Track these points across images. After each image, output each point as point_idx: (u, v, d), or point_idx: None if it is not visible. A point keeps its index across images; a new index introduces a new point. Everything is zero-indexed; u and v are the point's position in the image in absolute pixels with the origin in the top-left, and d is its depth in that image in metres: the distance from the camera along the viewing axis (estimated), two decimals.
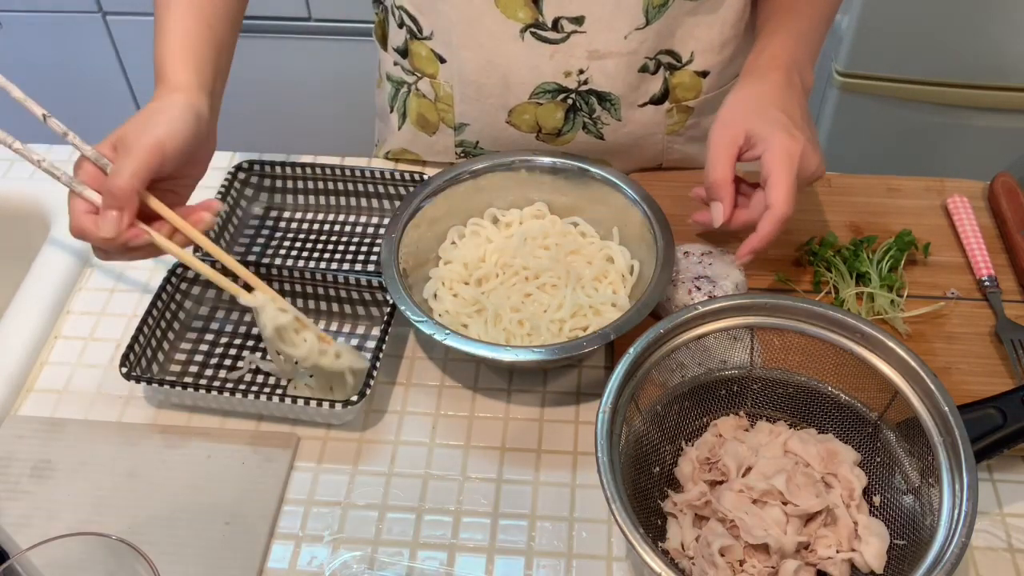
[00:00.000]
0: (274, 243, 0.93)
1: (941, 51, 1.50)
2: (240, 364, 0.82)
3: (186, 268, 0.82)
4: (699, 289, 0.79)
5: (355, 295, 0.83)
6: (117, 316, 0.86)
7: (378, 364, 0.75)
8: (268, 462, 0.74)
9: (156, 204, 0.68)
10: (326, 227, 0.94)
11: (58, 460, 0.75)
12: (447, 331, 0.73)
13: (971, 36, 1.48)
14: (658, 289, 0.76)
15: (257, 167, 0.94)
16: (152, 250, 0.69)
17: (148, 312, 0.79)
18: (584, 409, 0.78)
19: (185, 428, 0.77)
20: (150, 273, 0.90)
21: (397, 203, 0.93)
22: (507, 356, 0.73)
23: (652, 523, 0.67)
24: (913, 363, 0.65)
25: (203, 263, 0.73)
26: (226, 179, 0.92)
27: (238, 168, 0.93)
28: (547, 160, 0.87)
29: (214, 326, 0.84)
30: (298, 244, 0.92)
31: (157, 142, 0.66)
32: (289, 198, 0.95)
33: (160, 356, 0.80)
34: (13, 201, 0.97)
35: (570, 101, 0.89)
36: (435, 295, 0.83)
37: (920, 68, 1.54)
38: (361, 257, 0.91)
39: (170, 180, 0.70)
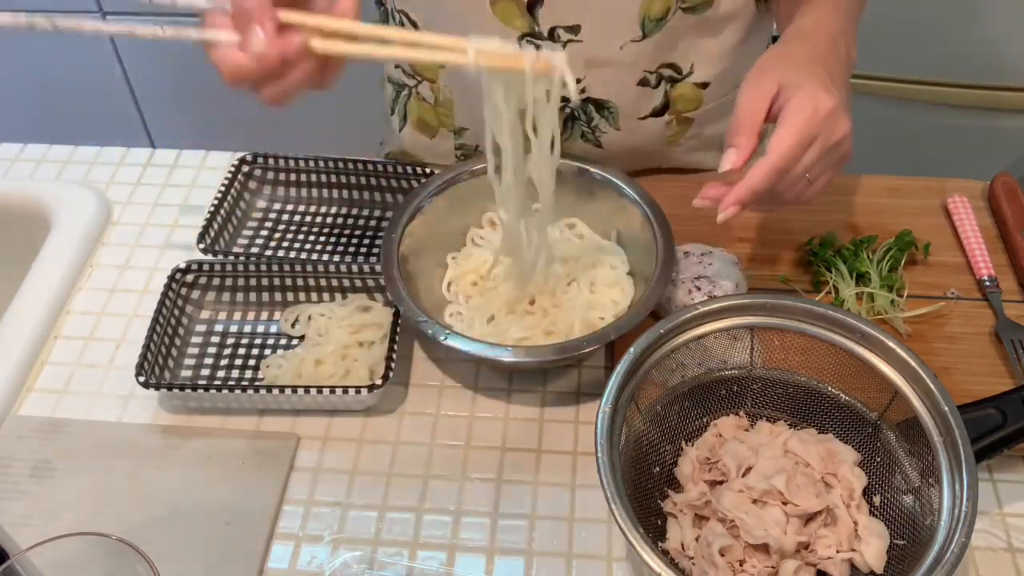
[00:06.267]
0: (277, 236, 0.93)
1: (941, 51, 1.50)
2: (258, 363, 0.82)
3: (184, 272, 0.82)
4: (699, 289, 0.79)
5: (358, 283, 0.83)
6: (117, 316, 0.86)
7: (395, 347, 0.76)
8: (268, 462, 0.74)
9: (290, 15, 0.61)
10: (328, 220, 0.95)
11: (58, 460, 0.75)
12: (447, 331, 0.73)
13: (971, 36, 1.48)
14: (658, 289, 0.76)
15: (261, 160, 0.94)
16: (316, 67, 0.62)
17: (155, 319, 0.78)
18: (584, 409, 0.78)
19: (185, 428, 0.77)
20: (150, 273, 0.90)
21: (400, 197, 0.93)
22: (507, 356, 0.73)
23: (652, 523, 0.67)
24: (913, 363, 0.65)
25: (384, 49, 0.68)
26: (229, 172, 0.92)
27: (242, 161, 0.93)
28: None
29: (218, 328, 0.84)
30: (300, 237, 0.93)
31: None
32: (293, 191, 0.95)
33: (171, 362, 0.80)
34: (13, 201, 0.97)
35: (568, 110, 0.89)
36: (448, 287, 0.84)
37: (920, 68, 1.53)
38: (364, 250, 0.91)
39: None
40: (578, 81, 0.86)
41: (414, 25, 0.89)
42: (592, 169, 0.86)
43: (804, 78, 0.67)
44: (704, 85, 0.90)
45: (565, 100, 0.87)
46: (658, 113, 0.91)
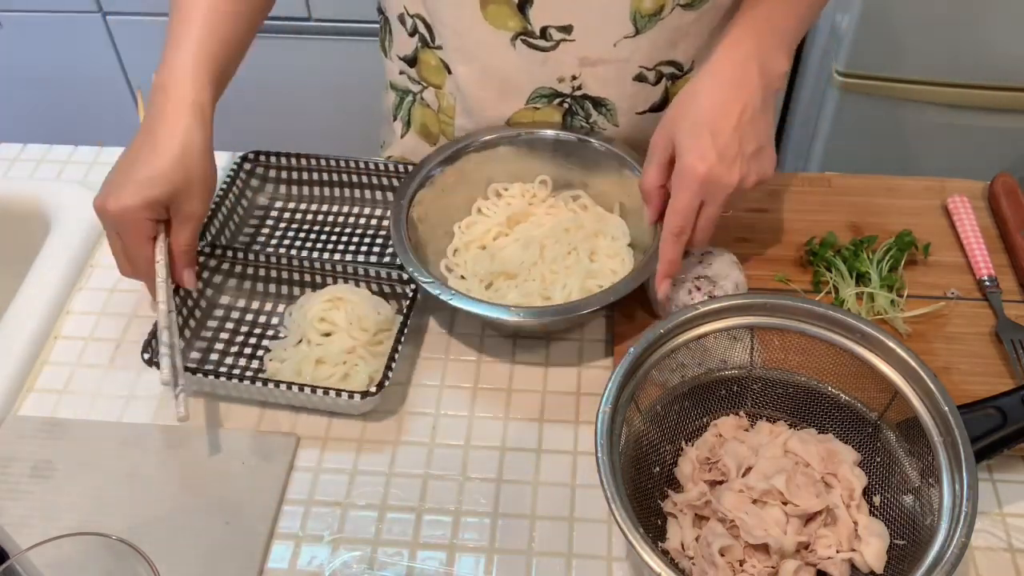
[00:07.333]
0: (278, 234, 0.93)
1: (941, 51, 1.50)
2: (260, 354, 0.82)
3: (208, 258, 0.84)
4: (699, 289, 0.79)
5: (363, 286, 0.83)
6: (117, 316, 0.86)
7: (398, 351, 0.76)
8: (268, 462, 0.74)
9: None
10: (329, 218, 0.95)
11: (58, 460, 0.75)
12: (452, 292, 0.76)
13: (971, 36, 1.48)
14: (657, 256, 0.77)
15: (263, 158, 0.94)
16: None
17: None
18: (584, 409, 0.78)
19: (185, 428, 0.77)
20: None
21: None
22: (510, 317, 0.75)
23: (652, 523, 0.67)
24: (913, 363, 0.65)
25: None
26: (232, 169, 0.92)
27: (244, 159, 0.93)
28: (551, 133, 0.89)
29: (234, 315, 0.85)
30: (302, 235, 0.93)
31: (203, 214, 0.78)
32: (294, 189, 0.96)
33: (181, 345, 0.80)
34: (13, 201, 0.97)
35: (567, 105, 0.89)
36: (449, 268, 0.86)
37: (920, 68, 1.53)
38: (364, 248, 0.91)
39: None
40: (573, 78, 0.86)
41: (429, 31, 0.89)
42: (594, 141, 0.88)
43: (692, 142, 0.73)
44: None
45: (562, 95, 0.88)
46: (658, 108, 0.91)
